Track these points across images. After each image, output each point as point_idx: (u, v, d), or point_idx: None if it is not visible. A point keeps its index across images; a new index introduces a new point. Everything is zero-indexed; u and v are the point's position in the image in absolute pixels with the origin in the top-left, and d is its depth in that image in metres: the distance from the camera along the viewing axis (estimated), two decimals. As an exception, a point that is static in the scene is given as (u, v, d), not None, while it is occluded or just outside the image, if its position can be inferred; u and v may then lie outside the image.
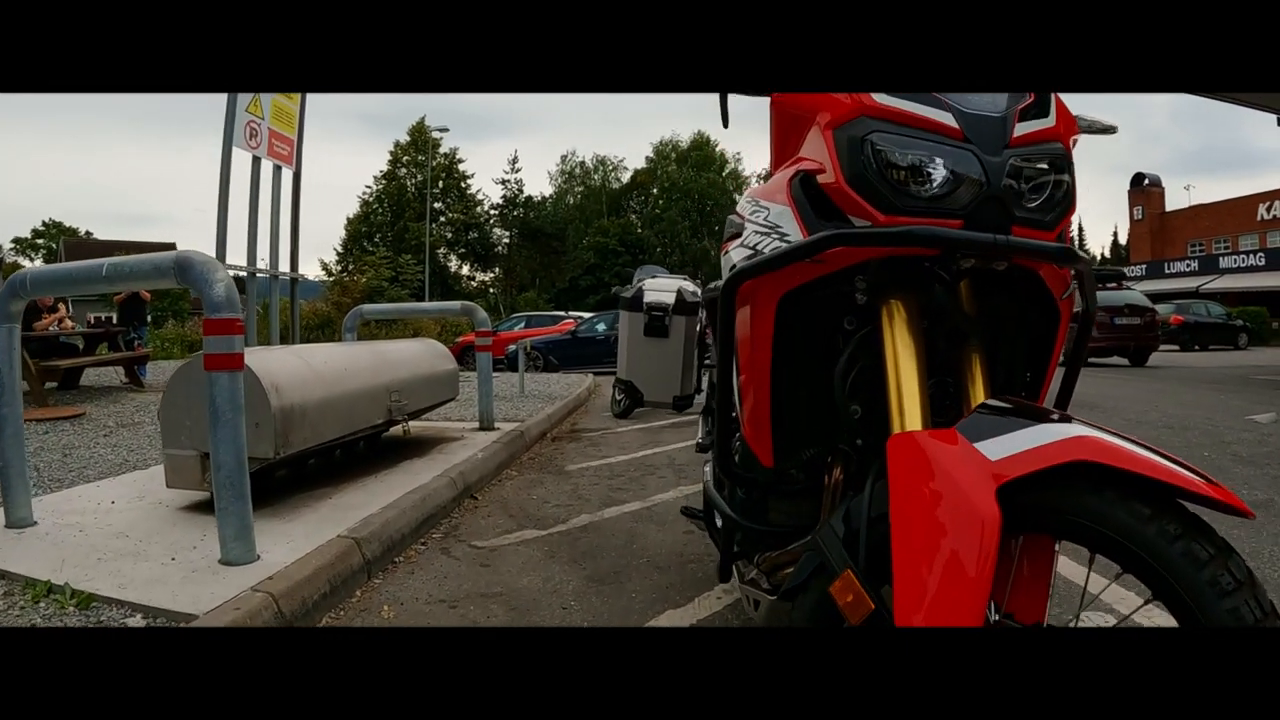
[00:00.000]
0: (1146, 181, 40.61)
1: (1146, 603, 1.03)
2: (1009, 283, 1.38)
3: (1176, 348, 20.61)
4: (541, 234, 45.92)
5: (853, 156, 1.25)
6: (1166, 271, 36.53)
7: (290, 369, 3.44)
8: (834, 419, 1.44)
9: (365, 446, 4.63)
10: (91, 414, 6.42)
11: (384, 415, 4.21)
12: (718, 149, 51.42)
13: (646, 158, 52.54)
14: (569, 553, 3.12)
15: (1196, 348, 21.31)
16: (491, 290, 45.81)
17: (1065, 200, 1.28)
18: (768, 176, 1.66)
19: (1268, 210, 34.85)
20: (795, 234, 1.35)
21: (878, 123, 1.24)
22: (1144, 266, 37.58)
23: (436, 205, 43.75)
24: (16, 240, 55.73)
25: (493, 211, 47.47)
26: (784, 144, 1.57)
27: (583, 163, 52.71)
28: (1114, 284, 14.67)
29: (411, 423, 4.70)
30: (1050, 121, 1.28)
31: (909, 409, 1.21)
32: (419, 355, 4.96)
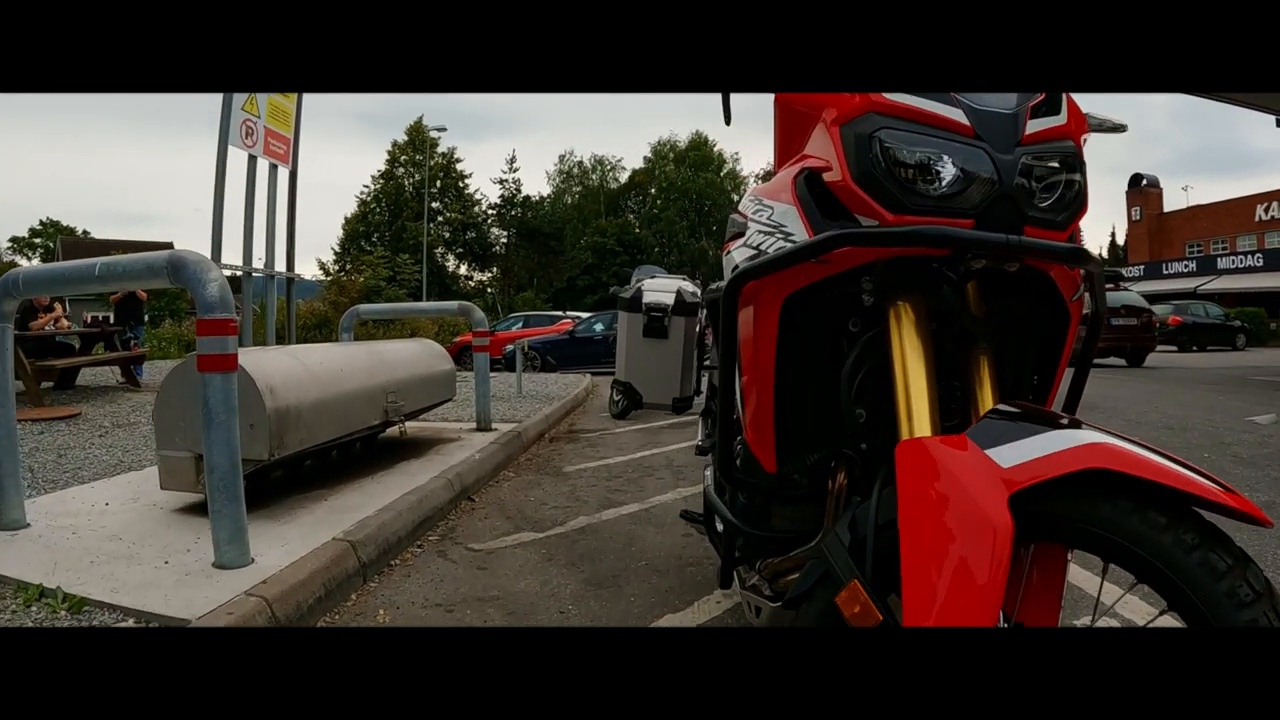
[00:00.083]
0: (1144, 182, 40.61)
1: (1162, 613, 1.01)
2: (1018, 284, 1.35)
3: (1174, 348, 20.62)
4: (539, 234, 45.86)
5: (860, 154, 1.22)
6: (1164, 272, 36.55)
7: (285, 370, 3.41)
8: (838, 423, 1.41)
9: (362, 448, 4.60)
10: (87, 414, 6.38)
11: (380, 416, 4.18)
12: (716, 149, 51.52)
13: (644, 158, 52.65)
14: (567, 555, 3.09)
15: (1194, 348, 21.32)
16: (489, 290, 45.76)
17: (1077, 200, 1.25)
18: (766, 177, 1.63)
19: (1265, 211, 34.87)
20: (800, 233, 1.32)
21: (886, 119, 1.21)
22: (1142, 267, 37.60)
23: (434, 205, 43.72)
24: (14, 239, 55.71)
25: (490, 211, 47.43)
26: (788, 141, 1.54)
27: (581, 162, 52.79)
28: (1111, 285, 14.68)
29: (408, 423, 4.67)
30: (1062, 119, 1.25)
31: (918, 413, 1.18)
32: (416, 355, 4.93)
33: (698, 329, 5.43)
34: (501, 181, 47.15)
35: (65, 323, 9.42)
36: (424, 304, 16.15)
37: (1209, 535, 0.92)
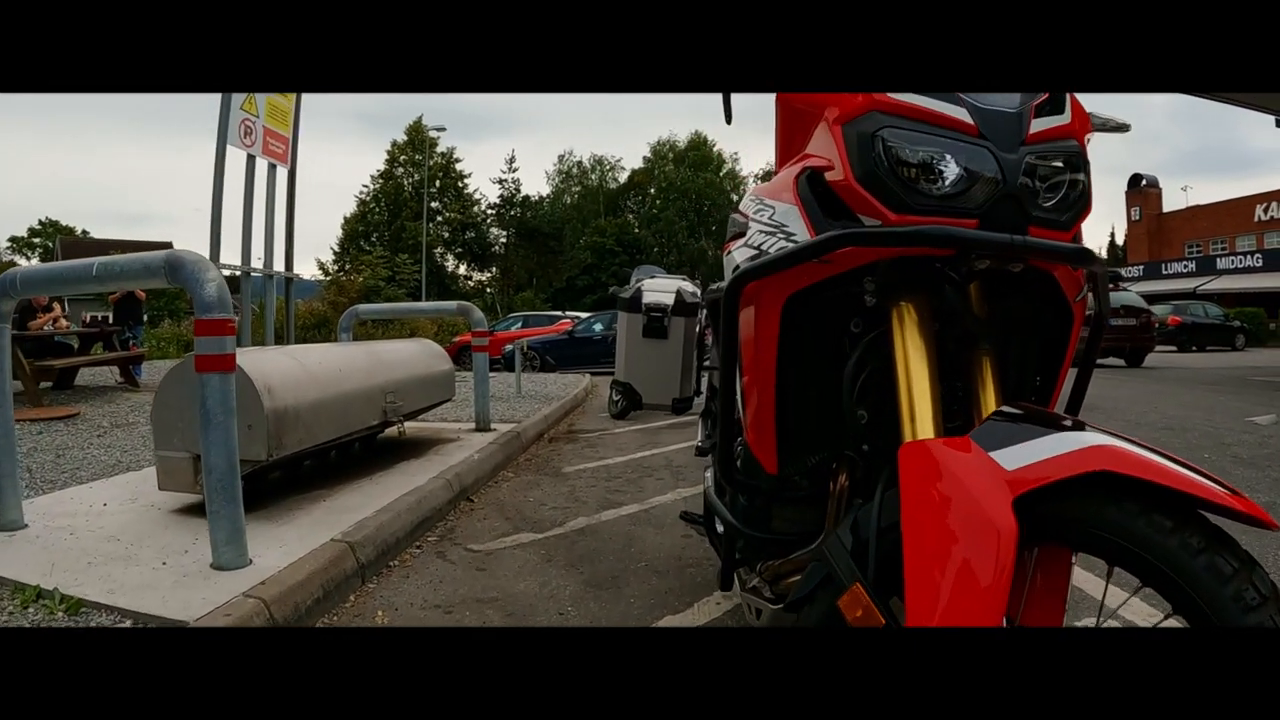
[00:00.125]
0: (1144, 182, 40.63)
1: (1167, 617, 1.00)
2: (1021, 285, 1.34)
3: (1174, 348, 20.62)
4: (539, 234, 45.85)
5: (863, 153, 1.21)
6: (1164, 272, 36.57)
7: (283, 370, 3.39)
8: (840, 424, 1.40)
9: (360, 448, 4.59)
10: (86, 414, 6.37)
11: (379, 416, 4.17)
12: (715, 149, 51.56)
13: (644, 158, 52.70)
14: (566, 557, 3.08)
15: (1194, 348, 21.32)
16: (488, 290, 45.77)
17: (1081, 200, 1.24)
18: (766, 176, 1.62)
19: (1265, 211, 34.89)
20: (802, 233, 1.30)
21: (889, 118, 1.20)
22: (1141, 267, 37.63)
23: (434, 205, 43.73)
24: (13, 239, 55.66)
25: (490, 211, 47.42)
26: (790, 140, 1.53)
27: (580, 162, 52.81)
28: (1111, 285, 14.65)
29: (407, 424, 4.66)
30: (1066, 118, 1.24)
31: (921, 415, 1.17)
32: (415, 355, 4.92)
33: (697, 329, 5.43)
34: (501, 181, 47.19)
35: (64, 322, 9.41)
36: (423, 304, 16.11)
37: (1215, 538, 0.91)
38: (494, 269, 47.54)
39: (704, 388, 3.18)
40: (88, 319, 23.95)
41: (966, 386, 1.32)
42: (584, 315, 19.27)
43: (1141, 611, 2.19)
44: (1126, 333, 14.18)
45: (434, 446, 4.88)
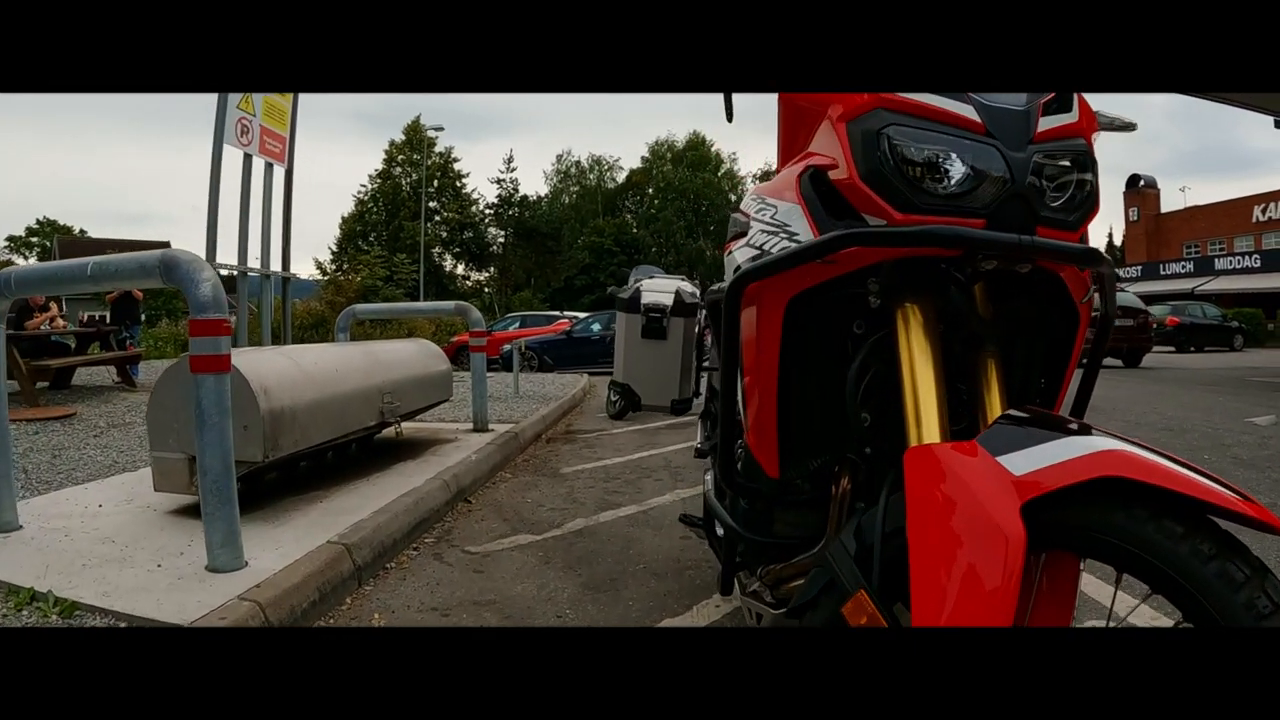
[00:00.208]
0: (1142, 183, 40.64)
1: (1177, 625, 0.98)
2: (1026, 285, 1.33)
3: (1172, 349, 20.65)
4: (537, 234, 45.85)
5: (868, 151, 1.19)
6: (1162, 273, 36.60)
7: (279, 370, 3.37)
8: (842, 426, 1.38)
9: (357, 449, 4.57)
10: (83, 414, 6.35)
11: (376, 417, 4.15)
12: (713, 149, 51.60)
13: (642, 157, 52.78)
14: (564, 558, 3.07)
15: (1192, 349, 21.34)
16: (486, 290, 45.79)
17: (1089, 200, 1.22)
18: (764, 176, 1.60)
19: (1263, 212, 34.92)
20: (805, 233, 1.28)
21: (894, 115, 1.18)
22: (1139, 268, 37.67)
23: (431, 204, 43.73)
24: (11, 238, 55.58)
25: (488, 211, 47.43)
26: (792, 138, 1.51)
27: (578, 162, 52.84)
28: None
29: (405, 424, 4.64)
30: (1073, 117, 1.22)
31: (926, 419, 1.15)
32: (412, 356, 4.90)
33: (697, 330, 5.41)
34: (499, 181, 47.19)
35: (61, 322, 9.38)
36: (421, 304, 16.09)
37: (1226, 545, 0.89)
38: (492, 269, 47.54)
39: (703, 389, 3.17)
40: (85, 318, 23.94)
41: (971, 389, 1.30)
42: (582, 315, 19.27)
43: (1150, 619, 2.17)
44: (1124, 333, 14.21)
45: (431, 447, 4.86)
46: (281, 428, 3.20)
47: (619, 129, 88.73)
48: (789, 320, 1.34)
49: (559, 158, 54.42)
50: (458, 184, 46.23)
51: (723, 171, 51.60)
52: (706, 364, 3.19)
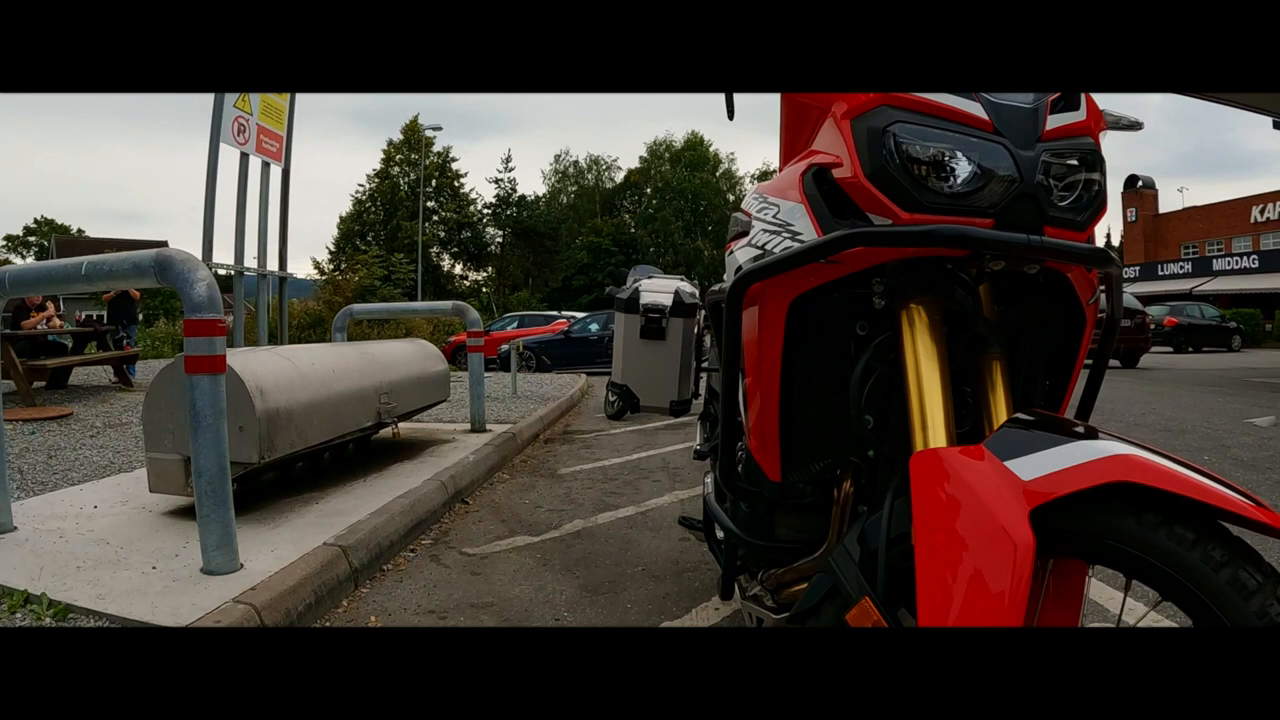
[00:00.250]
0: (1140, 183, 40.60)
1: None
2: (1033, 286, 1.31)
3: (1170, 349, 20.67)
4: (535, 233, 45.86)
5: (873, 149, 1.17)
6: (1160, 274, 36.58)
7: (276, 371, 3.35)
8: (845, 429, 1.37)
9: (354, 449, 4.55)
10: (79, 414, 6.32)
11: (373, 417, 4.13)
12: (711, 149, 51.53)
13: (640, 157, 52.65)
14: (562, 560, 3.05)
15: (1190, 349, 21.36)
16: (484, 290, 45.77)
17: (1097, 200, 1.20)
18: (762, 176, 1.58)
19: (1261, 212, 34.90)
20: (809, 232, 1.26)
21: (900, 112, 1.16)
22: (1137, 268, 37.65)
23: (429, 204, 43.73)
24: (8, 238, 55.49)
25: (486, 211, 47.45)
26: (795, 136, 1.49)
27: (576, 162, 52.72)
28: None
29: (402, 425, 4.62)
30: (1081, 115, 1.20)
31: (932, 422, 1.13)
32: (409, 356, 4.88)
33: (696, 330, 5.39)
34: (497, 181, 47.25)
35: (57, 322, 9.34)
36: (418, 304, 16.01)
37: (1238, 551, 0.88)
38: (490, 268, 47.54)
39: (702, 390, 3.15)
40: (81, 318, 23.88)
41: (976, 391, 1.28)
42: (580, 315, 19.24)
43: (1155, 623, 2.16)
44: (1122, 334, 14.02)
45: (428, 448, 4.84)
46: (277, 429, 3.18)
47: (617, 129, 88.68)
48: (791, 321, 1.32)
49: (557, 157, 54.50)
50: (456, 184, 46.24)
51: (720, 171, 51.57)
52: (706, 365, 3.17)
